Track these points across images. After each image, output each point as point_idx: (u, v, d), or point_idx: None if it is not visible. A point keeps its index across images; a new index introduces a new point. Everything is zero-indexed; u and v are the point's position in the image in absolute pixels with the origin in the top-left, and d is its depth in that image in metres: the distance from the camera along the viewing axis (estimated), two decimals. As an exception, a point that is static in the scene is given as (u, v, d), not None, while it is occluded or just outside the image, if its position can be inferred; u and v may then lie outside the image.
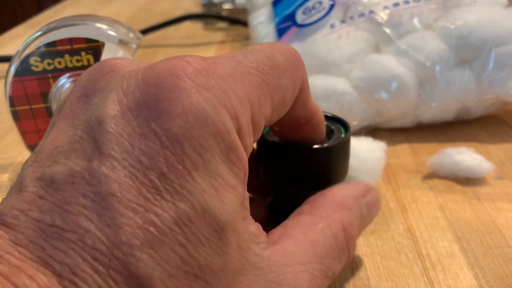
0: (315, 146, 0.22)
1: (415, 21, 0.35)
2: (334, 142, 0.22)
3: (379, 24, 0.35)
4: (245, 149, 0.16)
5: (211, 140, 0.15)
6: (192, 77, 0.15)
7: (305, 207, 0.20)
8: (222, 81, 0.16)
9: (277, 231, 0.18)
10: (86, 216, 0.14)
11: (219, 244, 0.15)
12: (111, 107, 0.15)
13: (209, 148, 0.15)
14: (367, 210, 0.21)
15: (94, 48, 0.27)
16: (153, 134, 0.15)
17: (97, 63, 0.18)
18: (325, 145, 0.22)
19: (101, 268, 0.13)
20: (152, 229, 0.14)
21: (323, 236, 0.19)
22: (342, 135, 0.23)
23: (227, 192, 0.15)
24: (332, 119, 0.24)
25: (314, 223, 0.19)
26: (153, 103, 0.15)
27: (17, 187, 0.15)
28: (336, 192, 0.20)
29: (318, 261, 0.18)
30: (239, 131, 0.16)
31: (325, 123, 0.22)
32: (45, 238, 0.14)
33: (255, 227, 0.17)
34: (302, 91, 0.19)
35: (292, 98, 0.19)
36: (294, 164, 0.22)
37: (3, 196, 0.16)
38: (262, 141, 0.22)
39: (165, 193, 0.14)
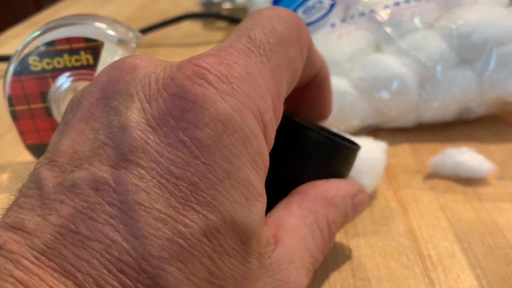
0: (350, 145, 0.22)
1: (416, 20, 0.34)
2: (358, 146, 0.22)
3: (379, 24, 0.35)
4: (269, 144, 0.16)
5: (241, 147, 0.15)
6: (214, 84, 0.15)
7: (295, 197, 0.20)
8: (243, 83, 0.15)
9: (271, 223, 0.18)
10: (112, 226, 0.13)
11: (243, 254, 0.15)
12: (136, 114, 0.15)
13: (239, 155, 0.15)
14: (353, 210, 0.21)
15: (93, 47, 0.27)
16: (182, 144, 0.14)
17: (116, 62, 0.17)
18: (355, 146, 0.22)
19: (128, 282, 0.13)
20: (181, 241, 0.14)
21: (312, 230, 0.19)
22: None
23: (256, 200, 0.15)
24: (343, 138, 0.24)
25: (303, 216, 0.19)
26: (178, 113, 0.15)
27: (36, 191, 0.15)
28: (328, 188, 0.21)
29: (310, 254, 0.19)
30: (264, 129, 0.16)
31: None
32: (66, 245, 0.13)
33: (267, 230, 0.17)
34: (308, 52, 0.19)
35: (302, 64, 0.18)
36: (313, 154, 0.21)
37: (15, 195, 0.15)
38: (289, 124, 0.21)
39: (195, 204, 0.14)
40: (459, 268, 0.22)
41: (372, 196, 0.28)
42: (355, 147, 0.22)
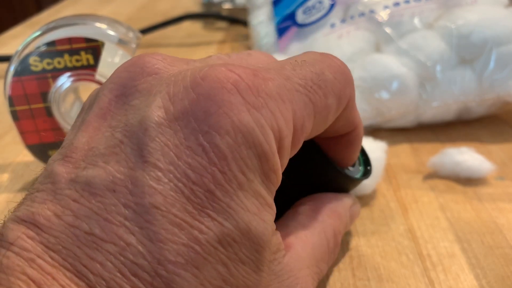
0: (349, 172, 0.22)
1: (416, 20, 0.34)
2: (364, 174, 0.23)
3: (379, 24, 0.35)
4: (282, 167, 0.16)
5: (256, 161, 0.15)
6: (243, 93, 0.15)
7: (303, 208, 0.20)
8: (271, 100, 0.15)
9: (281, 232, 0.18)
10: (127, 228, 0.13)
11: (257, 262, 0.15)
12: (157, 114, 0.14)
13: (253, 169, 0.15)
14: (350, 220, 0.22)
15: (94, 47, 0.27)
16: (201, 148, 0.14)
17: (136, 58, 0.17)
18: (357, 176, 0.23)
19: (141, 286, 0.13)
20: (197, 247, 0.13)
21: (320, 240, 0.19)
22: (361, 165, 0.24)
23: (266, 211, 0.15)
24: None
25: (312, 226, 0.19)
26: (201, 116, 0.14)
27: (49, 185, 0.14)
28: (331, 199, 0.21)
29: (316, 264, 0.19)
30: (279, 151, 0.16)
31: None
32: (80, 246, 0.13)
33: (278, 237, 0.17)
34: (347, 108, 0.19)
35: (334, 117, 0.18)
36: (318, 177, 0.22)
37: (29, 190, 0.15)
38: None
39: (211, 211, 0.14)
40: (459, 268, 0.22)
41: (372, 196, 0.28)
42: (362, 179, 0.23)
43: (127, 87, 0.16)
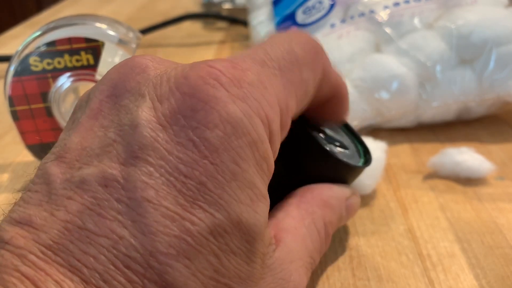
0: (347, 160, 0.22)
1: (416, 20, 0.34)
2: (363, 163, 0.23)
3: (379, 24, 0.35)
4: (274, 154, 0.16)
5: (247, 150, 0.15)
6: (226, 87, 0.15)
7: (293, 200, 0.20)
8: (254, 89, 0.16)
9: (271, 224, 0.19)
10: (120, 222, 0.13)
11: (249, 253, 0.15)
12: (147, 113, 0.15)
13: (245, 158, 0.15)
14: (346, 212, 0.22)
15: (94, 47, 0.27)
16: (191, 143, 0.14)
17: (126, 60, 0.17)
18: (359, 164, 0.23)
19: (134, 277, 0.13)
20: (188, 238, 0.14)
21: (310, 231, 0.19)
22: (361, 157, 0.24)
23: (260, 202, 0.15)
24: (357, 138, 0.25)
25: (302, 217, 0.20)
26: (189, 113, 0.15)
27: (43, 186, 0.15)
28: (323, 190, 0.21)
29: (308, 255, 0.19)
30: (270, 138, 0.16)
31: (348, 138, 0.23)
32: (73, 241, 0.13)
33: (269, 231, 0.17)
34: (325, 76, 0.19)
35: (314, 87, 0.19)
36: (313, 165, 0.22)
37: (22, 191, 0.15)
38: (299, 132, 0.21)
39: (203, 203, 0.14)
40: (459, 268, 0.22)
41: (371, 196, 0.28)
42: (363, 166, 0.23)
43: (117, 88, 0.16)
